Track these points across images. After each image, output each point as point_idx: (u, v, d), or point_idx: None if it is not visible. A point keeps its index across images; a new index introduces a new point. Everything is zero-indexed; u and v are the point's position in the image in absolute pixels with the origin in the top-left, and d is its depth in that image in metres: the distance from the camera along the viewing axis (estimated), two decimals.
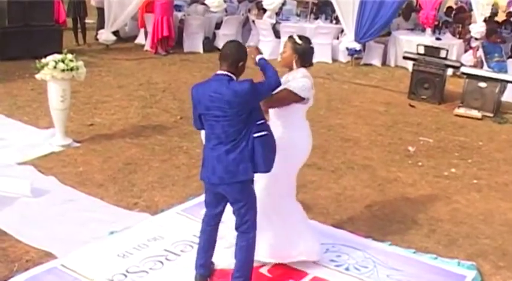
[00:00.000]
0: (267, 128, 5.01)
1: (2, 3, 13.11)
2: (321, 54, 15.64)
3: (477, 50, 14.24)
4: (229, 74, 4.89)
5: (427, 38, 14.88)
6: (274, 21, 15.76)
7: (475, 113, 11.58)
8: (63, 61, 8.19)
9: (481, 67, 13.50)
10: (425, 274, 5.88)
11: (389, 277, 5.77)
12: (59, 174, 7.57)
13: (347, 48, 15.22)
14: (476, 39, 14.29)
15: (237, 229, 5.18)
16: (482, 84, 11.73)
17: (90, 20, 16.45)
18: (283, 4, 17.11)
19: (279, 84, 5.05)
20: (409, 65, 13.65)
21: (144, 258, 5.78)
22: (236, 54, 4.93)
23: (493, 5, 15.48)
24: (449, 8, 18.43)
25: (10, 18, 13.09)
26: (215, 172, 4.95)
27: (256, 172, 5.00)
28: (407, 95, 12.71)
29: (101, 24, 15.65)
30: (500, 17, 19.51)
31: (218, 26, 16.56)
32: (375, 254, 6.12)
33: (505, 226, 7.08)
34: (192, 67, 14.07)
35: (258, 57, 5.19)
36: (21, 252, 5.76)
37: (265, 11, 15.69)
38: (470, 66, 13.54)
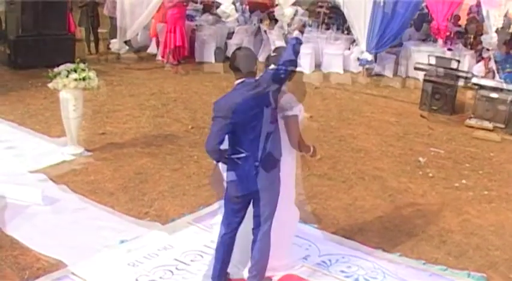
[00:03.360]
0: None
1: (16, 12, 13.24)
2: (332, 65, 15.72)
3: (489, 60, 14.21)
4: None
5: (439, 49, 14.86)
6: (286, 32, 15.77)
7: (487, 124, 11.55)
8: (75, 70, 8.25)
9: (493, 78, 13.47)
10: None
11: None
12: (71, 182, 7.61)
13: (358, 59, 15.18)
14: (487, 50, 14.27)
15: (259, 228, 5.27)
16: (494, 95, 11.72)
17: (103, 30, 16.53)
18: (295, 14, 17.12)
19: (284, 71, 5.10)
20: (421, 75, 13.62)
21: (154, 267, 5.80)
22: (251, 63, 5.10)
23: (505, 16, 15.41)
24: (456, 16, 18.30)
25: (23, 27, 13.22)
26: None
27: None
28: (418, 105, 12.71)
29: (113, 34, 15.73)
30: None
31: (230, 36, 16.60)
32: (384, 265, 6.11)
33: None
34: (203, 77, 14.10)
35: (294, 34, 5.35)
36: (32, 260, 5.79)
37: (276, 21, 15.71)
38: (482, 77, 13.50)
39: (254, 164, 5.05)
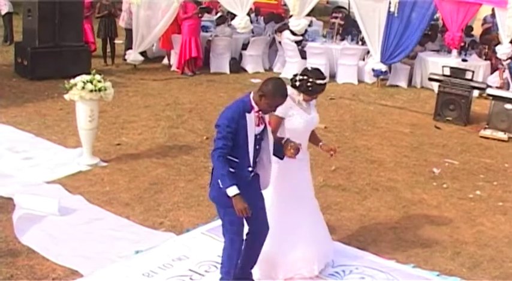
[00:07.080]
0: None
1: (33, 23, 13.38)
2: (346, 76, 15.71)
3: (503, 71, 14.18)
4: None
5: (453, 60, 14.77)
6: (296, 39, 15.74)
7: (501, 134, 11.52)
8: (91, 82, 8.33)
9: (508, 89, 13.44)
10: None
11: None
12: (86, 193, 7.67)
13: (373, 70, 15.19)
14: (502, 60, 14.23)
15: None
16: (509, 106, 11.68)
17: (119, 41, 16.64)
18: (310, 25, 17.17)
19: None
20: (435, 86, 13.61)
21: (168, 278, 5.85)
22: None
23: None
24: (470, 27, 18.23)
25: (40, 38, 13.34)
26: None
27: None
28: (433, 116, 12.69)
29: (129, 45, 15.85)
30: None
31: (245, 46, 16.66)
32: (398, 277, 6.12)
33: None
34: (218, 88, 14.13)
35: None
36: (48, 270, 5.86)
37: (292, 32, 15.70)
38: (497, 87, 13.48)
39: (248, 169, 5.11)
